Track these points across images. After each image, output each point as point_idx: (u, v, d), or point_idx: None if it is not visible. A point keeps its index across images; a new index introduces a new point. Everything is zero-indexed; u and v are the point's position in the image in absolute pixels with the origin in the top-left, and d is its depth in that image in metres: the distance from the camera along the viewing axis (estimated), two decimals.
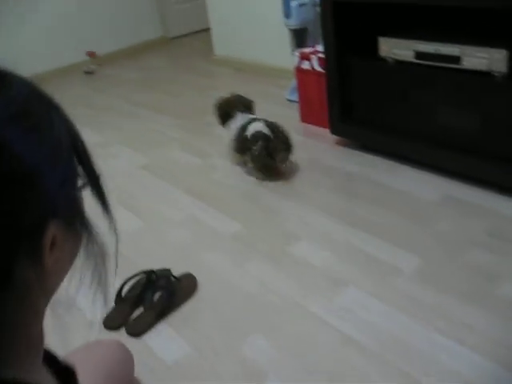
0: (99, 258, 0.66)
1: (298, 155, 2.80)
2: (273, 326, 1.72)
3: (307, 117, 3.15)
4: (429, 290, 1.75)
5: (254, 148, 2.52)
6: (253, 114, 2.81)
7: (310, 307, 1.77)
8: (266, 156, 2.51)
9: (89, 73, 5.20)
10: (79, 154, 0.64)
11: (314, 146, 2.88)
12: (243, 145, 2.61)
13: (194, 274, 2.00)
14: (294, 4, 3.20)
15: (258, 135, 2.53)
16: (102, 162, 2.50)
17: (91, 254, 0.65)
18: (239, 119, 2.71)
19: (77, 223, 0.62)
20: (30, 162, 0.53)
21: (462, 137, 2.27)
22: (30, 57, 5.16)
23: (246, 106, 2.81)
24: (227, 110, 2.79)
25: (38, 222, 0.54)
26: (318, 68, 2.93)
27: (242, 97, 2.86)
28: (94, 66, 5.24)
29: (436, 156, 2.36)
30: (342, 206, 2.30)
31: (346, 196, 2.37)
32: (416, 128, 2.43)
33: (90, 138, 2.90)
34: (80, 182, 0.63)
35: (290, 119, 3.24)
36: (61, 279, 0.62)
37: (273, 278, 1.93)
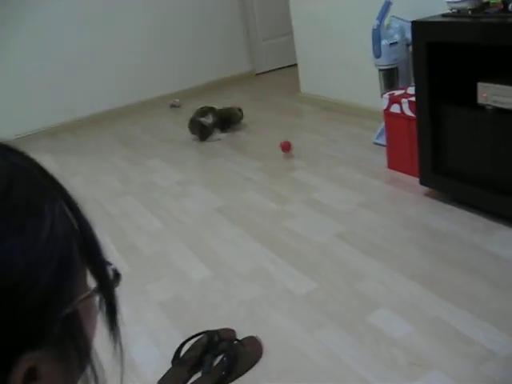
0: None
1: (382, 205, 2.59)
2: None
3: (394, 163, 2.93)
4: None
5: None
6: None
7: None
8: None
9: (174, 106, 5.19)
10: (87, 252, 0.49)
11: (400, 196, 2.65)
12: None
13: (260, 337, 1.83)
14: (384, 43, 3.01)
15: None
16: (177, 202, 2.38)
17: None
18: None
19: (71, 352, 0.46)
20: None
21: None
22: (119, 88, 5.23)
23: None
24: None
25: (3, 353, 0.39)
26: (408, 112, 2.72)
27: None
28: (179, 99, 5.23)
29: None
30: (429, 269, 2.05)
31: (434, 258, 2.12)
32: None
33: (168, 175, 2.83)
34: (82, 296, 0.47)
35: (375, 164, 3.04)
36: None
37: (345, 350, 1.72)
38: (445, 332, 1.72)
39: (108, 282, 0.51)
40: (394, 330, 1.76)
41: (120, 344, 0.52)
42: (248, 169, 3.33)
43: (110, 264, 0.53)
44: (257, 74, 6.01)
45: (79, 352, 0.46)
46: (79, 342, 0.46)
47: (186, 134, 4.25)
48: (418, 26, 2.34)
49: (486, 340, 1.66)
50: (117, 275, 0.53)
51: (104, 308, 0.51)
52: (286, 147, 3.47)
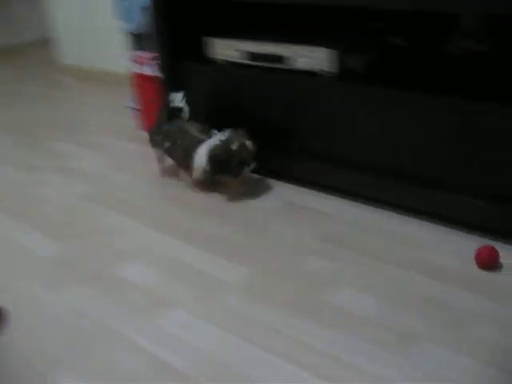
0: None
1: (133, 165, 2.62)
2: (81, 353, 1.51)
3: (146, 124, 2.97)
4: (258, 304, 1.63)
5: None
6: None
7: (124, 331, 1.57)
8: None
9: None
10: None
11: (149, 154, 2.69)
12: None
13: (5, 306, 1.75)
14: (129, 7, 3.01)
15: None
16: None
17: None
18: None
19: None
20: None
21: (291, 139, 2.19)
22: None
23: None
24: None
25: None
26: (153, 73, 2.75)
27: None
28: None
29: (273, 161, 2.27)
30: (170, 218, 2.13)
31: (177, 208, 2.21)
32: (251, 128, 2.32)
33: None
34: None
35: (128, 128, 3.06)
36: None
37: (88, 301, 1.72)
38: (185, 272, 1.79)
39: None
40: (134, 276, 1.80)
41: None
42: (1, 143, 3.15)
43: None
44: (13, 46, 5.66)
45: None
46: None
47: None
48: None
49: (223, 274, 1.76)
50: None
51: None
52: (490, 259, 1.68)
